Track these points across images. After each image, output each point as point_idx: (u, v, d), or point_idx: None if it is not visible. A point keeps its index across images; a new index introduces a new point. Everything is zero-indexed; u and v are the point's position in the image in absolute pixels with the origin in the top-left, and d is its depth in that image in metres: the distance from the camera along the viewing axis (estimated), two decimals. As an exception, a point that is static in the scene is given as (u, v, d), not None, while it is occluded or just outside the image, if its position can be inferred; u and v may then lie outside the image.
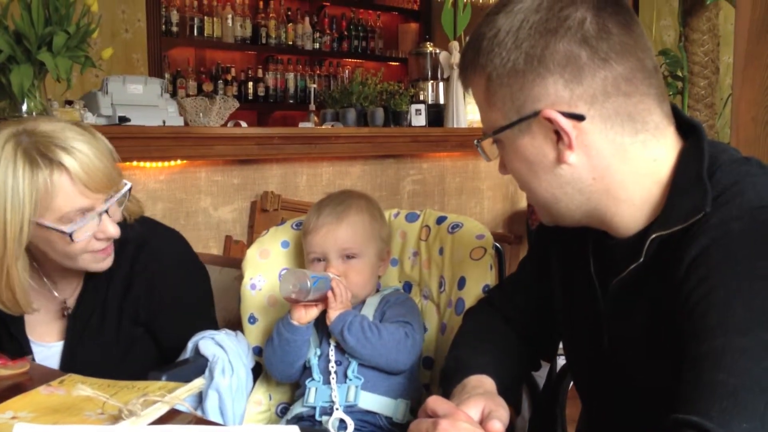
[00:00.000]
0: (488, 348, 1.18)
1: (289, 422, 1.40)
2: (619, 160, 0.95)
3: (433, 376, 1.51)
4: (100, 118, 2.75)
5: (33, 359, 1.44)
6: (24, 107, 2.24)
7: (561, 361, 1.32)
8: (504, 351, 1.19)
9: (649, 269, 0.96)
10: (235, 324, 1.57)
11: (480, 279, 1.43)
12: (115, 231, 1.36)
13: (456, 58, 3.79)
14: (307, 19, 5.74)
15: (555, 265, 1.16)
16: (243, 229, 3.12)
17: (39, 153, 1.27)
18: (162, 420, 1.05)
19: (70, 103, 2.83)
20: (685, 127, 1.00)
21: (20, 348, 1.45)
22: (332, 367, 1.39)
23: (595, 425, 1.19)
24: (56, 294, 1.48)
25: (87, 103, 2.77)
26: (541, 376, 1.39)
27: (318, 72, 5.89)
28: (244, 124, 3.18)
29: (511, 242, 3.52)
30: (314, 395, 1.39)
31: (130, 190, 1.39)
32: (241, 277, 1.58)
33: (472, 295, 1.42)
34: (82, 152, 1.29)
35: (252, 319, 1.55)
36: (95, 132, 1.37)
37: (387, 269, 1.54)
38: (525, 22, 0.93)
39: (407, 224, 1.59)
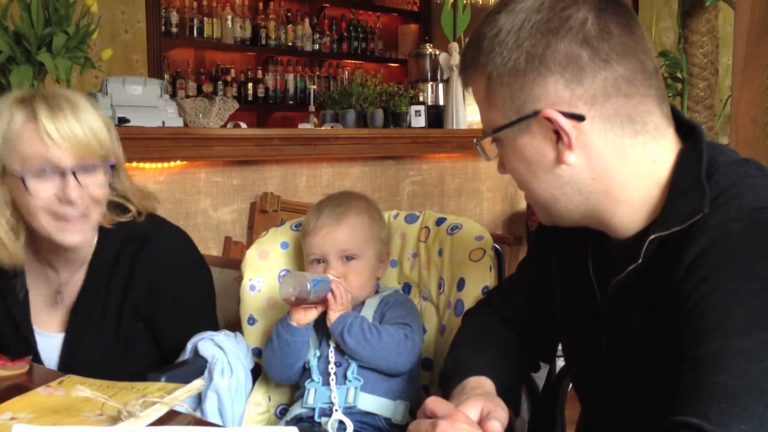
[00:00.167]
0: (487, 349, 1.18)
1: (288, 423, 1.40)
2: (619, 161, 0.95)
3: (432, 378, 1.51)
4: (99, 119, 2.75)
5: (36, 354, 1.44)
6: (24, 108, 2.24)
7: (560, 362, 1.32)
8: (503, 352, 1.19)
9: (647, 270, 0.96)
10: (235, 325, 1.57)
11: (479, 280, 1.43)
12: (77, 197, 1.34)
13: (456, 59, 3.78)
14: (306, 20, 5.74)
15: (554, 265, 1.16)
16: (242, 230, 3.12)
17: (27, 99, 1.35)
18: (161, 421, 1.05)
19: (69, 103, 2.83)
20: (685, 129, 1.00)
21: (23, 338, 1.45)
22: (332, 368, 1.39)
23: (594, 426, 1.19)
24: (50, 275, 1.48)
25: (87, 104, 2.77)
26: (540, 377, 1.39)
27: (318, 73, 5.89)
28: (243, 125, 3.17)
29: (511, 243, 3.53)
30: (313, 396, 1.39)
31: (113, 167, 1.41)
32: (240, 278, 1.58)
33: (471, 296, 1.42)
34: (64, 108, 1.34)
35: (251, 320, 1.55)
36: (100, 109, 1.42)
37: (386, 270, 1.54)
38: (526, 22, 0.93)
39: (406, 225, 1.59)
